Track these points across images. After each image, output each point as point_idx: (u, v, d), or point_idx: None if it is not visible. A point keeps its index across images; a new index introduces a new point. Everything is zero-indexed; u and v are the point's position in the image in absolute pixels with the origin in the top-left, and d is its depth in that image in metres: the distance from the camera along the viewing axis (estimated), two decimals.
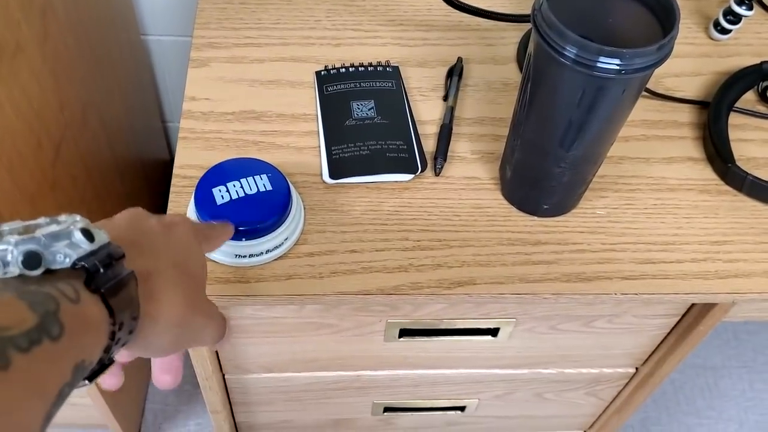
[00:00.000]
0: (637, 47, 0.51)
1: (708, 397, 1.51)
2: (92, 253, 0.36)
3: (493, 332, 0.74)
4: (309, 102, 0.74)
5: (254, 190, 0.62)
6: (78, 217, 0.37)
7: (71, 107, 0.93)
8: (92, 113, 1.01)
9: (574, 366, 0.84)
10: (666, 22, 0.55)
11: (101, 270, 0.36)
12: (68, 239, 0.36)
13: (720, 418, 1.48)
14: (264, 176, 0.63)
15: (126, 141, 1.21)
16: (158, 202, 1.41)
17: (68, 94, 0.92)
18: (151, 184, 1.38)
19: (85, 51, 0.97)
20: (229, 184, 0.62)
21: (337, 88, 0.74)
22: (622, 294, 0.64)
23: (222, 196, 0.61)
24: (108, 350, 0.36)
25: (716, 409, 1.49)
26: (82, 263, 0.35)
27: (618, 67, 0.51)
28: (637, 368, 0.85)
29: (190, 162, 0.68)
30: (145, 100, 1.34)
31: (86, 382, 0.38)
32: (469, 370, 0.83)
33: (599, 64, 0.51)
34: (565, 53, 0.52)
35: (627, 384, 0.88)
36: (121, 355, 0.45)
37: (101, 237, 0.37)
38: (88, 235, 0.36)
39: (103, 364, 0.38)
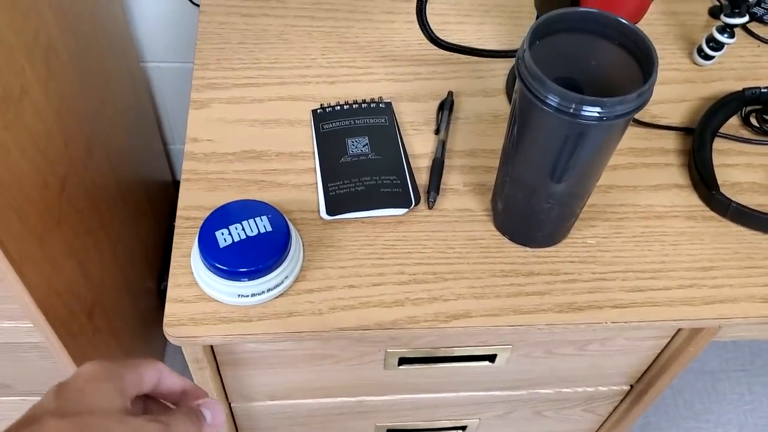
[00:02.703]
0: (619, 91, 0.54)
1: (707, 401, 1.54)
2: None
3: (491, 358, 0.77)
4: (306, 140, 0.76)
5: (255, 232, 0.64)
6: None
7: (75, 142, 0.96)
8: (96, 144, 1.04)
9: (570, 386, 0.86)
10: (646, 65, 0.57)
11: None
12: None
13: (719, 422, 1.51)
14: (264, 217, 0.65)
15: (129, 166, 1.24)
16: (161, 223, 1.43)
17: (72, 129, 0.94)
18: (154, 205, 1.41)
19: (86, 85, 1.00)
20: (231, 227, 0.64)
21: (332, 126, 0.76)
22: (613, 323, 0.66)
23: (225, 239, 0.63)
24: None
25: (715, 413, 1.52)
26: None
27: (599, 115, 0.53)
28: (631, 386, 0.87)
29: (193, 203, 0.71)
30: (146, 125, 1.36)
31: None
32: (469, 393, 0.85)
33: (581, 112, 0.53)
34: (548, 101, 0.54)
35: (623, 400, 0.91)
36: None
37: None
38: None
39: None
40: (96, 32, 1.04)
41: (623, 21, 0.58)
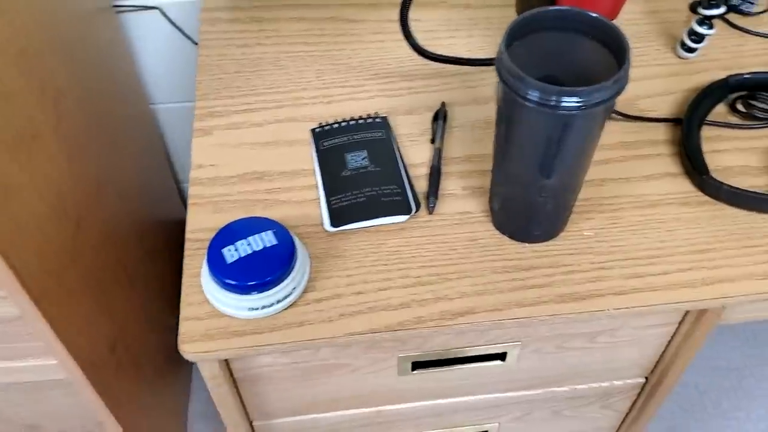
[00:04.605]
0: (596, 81, 0.56)
1: (734, 398, 1.53)
2: None
3: (502, 356, 0.78)
4: (306, 158, 0.79)
5: (261, 246, 0.67)
6: None
7: (87, 182, 0.99)
8: (107, 184, 1.07)
9: (585, 381, 0.87)
10: (619, 55, 0.59)
11: None
12: None
13: (748, 418, 1.50)
14: (269, 232, 0.68)
15: (142, 205, 1.27)
16: (176, 260, 1.46)
17: (83, 170, 0.98)
18: (169, 242, 1.44)
19: (95, 128, 1.04)
20: (238, 243, 0.67)
21: (331, 143, 0.79)
22: (615, 309, 0.67)
23: (231, 255, 0.66)
24: None
25: (744, 410, 1.51)
26: None
27: (579, 104, 0.56)
28: (646, 378, 0.88)
29: (200, 226, 0.73)
30: (158, 165, 1.40)
31: None
32: (486, 396, 0.86)
33: (561, 104, 0.56)
34: (528, 97, 0.57)
35: (639, 394, 0.92)
36: None
37: None
38: None
39: None
40: (104, 78, 1.08)
41: (596, 15, 0.60)
